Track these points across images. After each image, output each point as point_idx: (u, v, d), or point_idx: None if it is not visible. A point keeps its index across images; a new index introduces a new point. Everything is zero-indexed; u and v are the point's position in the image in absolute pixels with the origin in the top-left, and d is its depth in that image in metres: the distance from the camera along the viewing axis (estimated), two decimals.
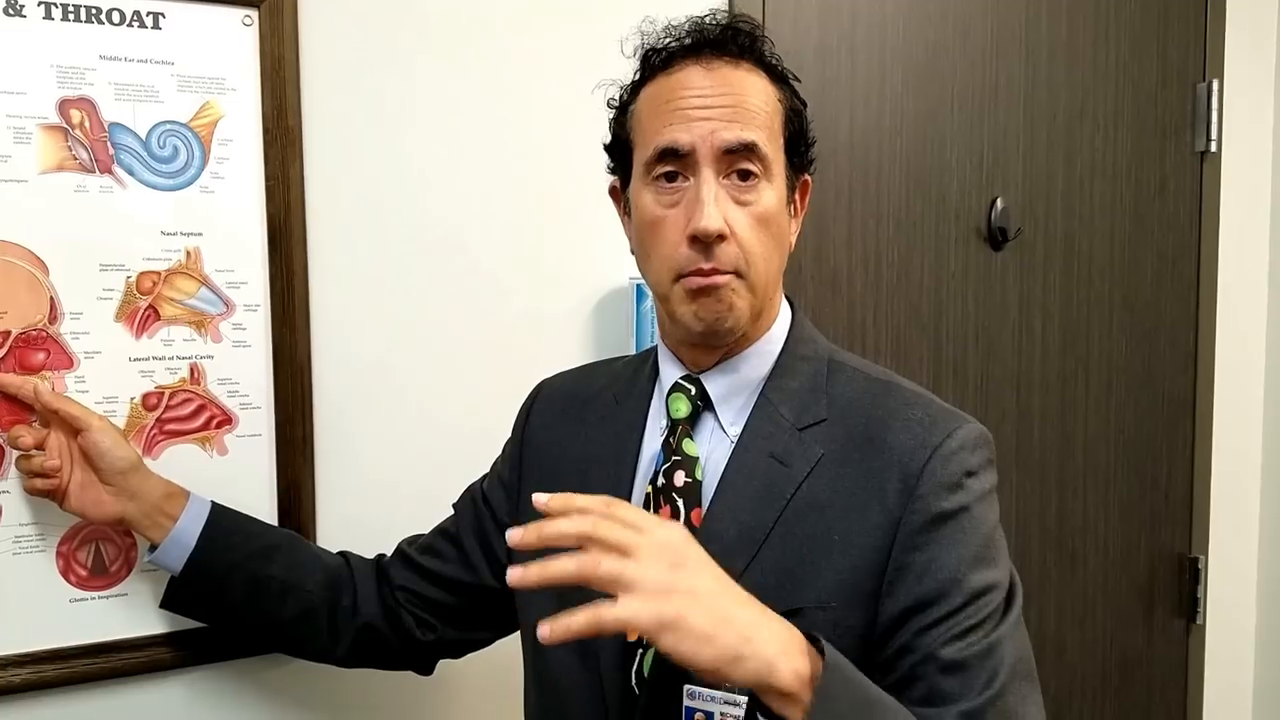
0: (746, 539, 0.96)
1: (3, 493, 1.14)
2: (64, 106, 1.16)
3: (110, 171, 1.18)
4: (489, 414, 1.35)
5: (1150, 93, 1.86)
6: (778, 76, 1.02)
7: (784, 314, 1.07)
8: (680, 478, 1.01)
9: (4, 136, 1.13)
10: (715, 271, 0.95)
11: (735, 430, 1.02)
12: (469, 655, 1.27)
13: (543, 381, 1.23)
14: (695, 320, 0.98)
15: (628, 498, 1.04)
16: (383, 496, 1.36)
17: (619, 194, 1.08)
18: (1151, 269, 1.89)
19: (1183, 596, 1.98)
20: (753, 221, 0.96)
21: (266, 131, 1.25)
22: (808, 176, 1.05)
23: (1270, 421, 2.01)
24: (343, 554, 1.25)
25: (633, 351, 1.45)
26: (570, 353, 1.46)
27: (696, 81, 0.97)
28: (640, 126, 1.01)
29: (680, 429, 1.03)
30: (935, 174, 1.67)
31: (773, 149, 0.98)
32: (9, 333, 1.14)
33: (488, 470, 1.24)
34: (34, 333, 1.15)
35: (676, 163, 0.96)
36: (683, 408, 1.03)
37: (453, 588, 1.19)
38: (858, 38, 1.60)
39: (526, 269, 1.44)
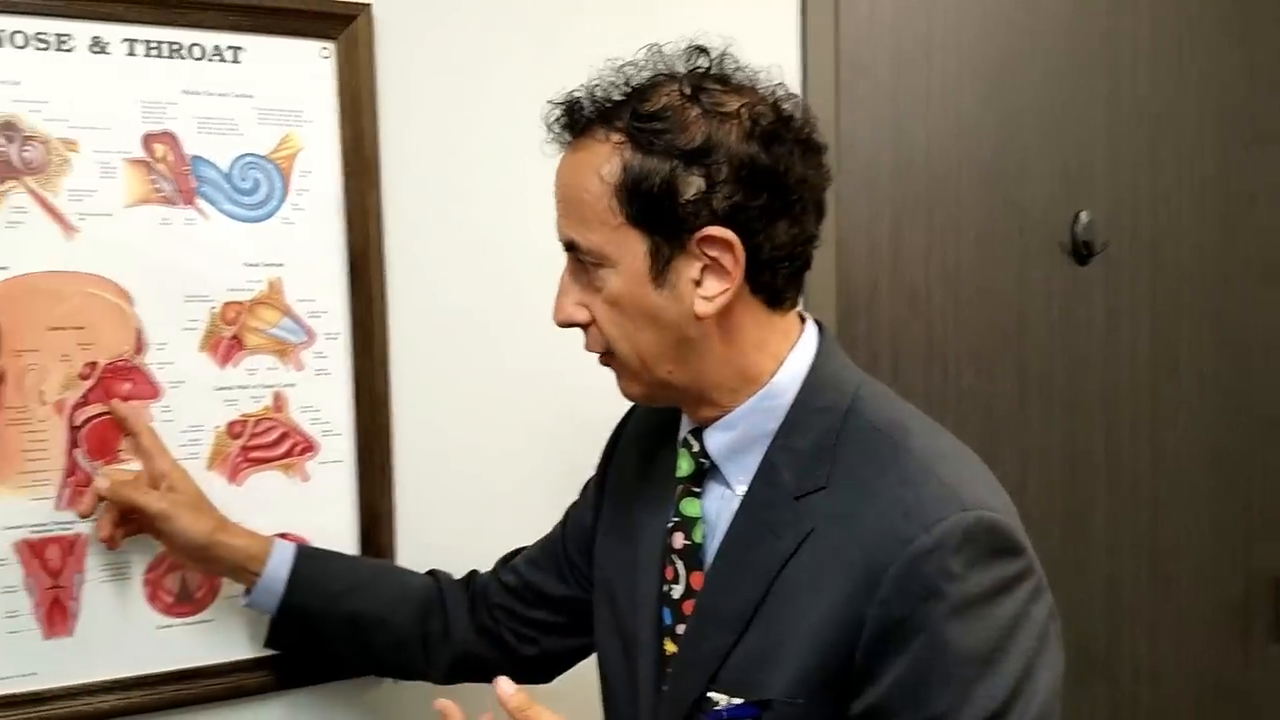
0: (736, 614, 0.92)
1: (93, 519, 1.16)
2: (148, 141, 1.18)
3: (193, 204, 1.20)
4: (565, 439, 1.36)
5: (1240, 99, 1.80)
6: (629, 132, 0.91)
7: (799, 356, 0.96)
8: (680, 539, 0.98)
9: (91, 171, 1.15)
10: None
11: (743, 489, 0.96)
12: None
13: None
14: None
15: (663, 551, 1.01)
16: (460, 520, 1.36)
17: None
18: (1243, 282, 1.82)
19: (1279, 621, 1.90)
20: (606, 306, 0.94)
21: (345, 163, 1.26)
22: (717, 231, 0.89)
23: None
24: (433, 574, 1.25)
25: None
26: None
27: (558, 170, 0.98)
28: None
29: (682, 488, 0.99)
30: (1016, 186, 1.64)
31: (603, 236, 0.92)
32: (96, 363, 1.16)
33: (582, 489, 1.24)
34: (120, 363, 1.17)
35: None
36: (685, 465, 0.99)
37: (551, 603, 1.20)
38: (934, 46, 1.58)
39: None
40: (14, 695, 1.14)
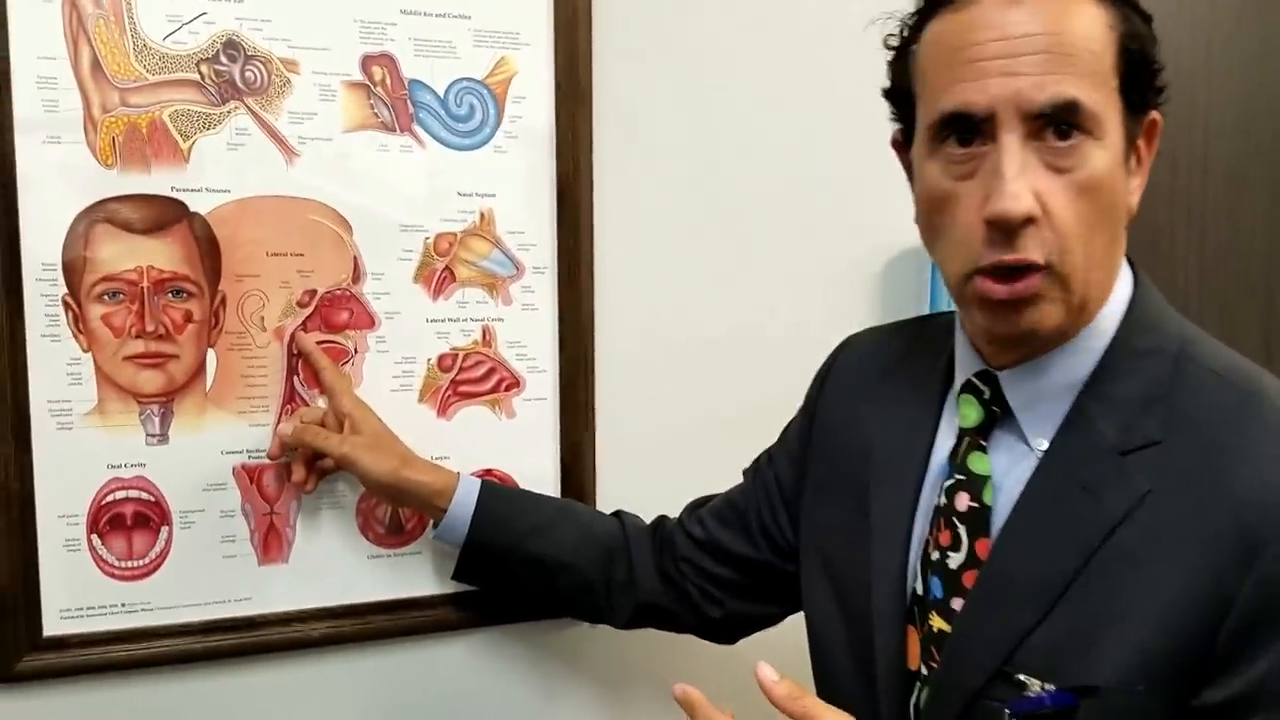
0: (1040, 588, 0.79)
1: (282, 461, 1.16)
2: (366, 63, 1.15)
3: (410, 130, 1.17)
4: (770, 380, 1.30)
5: None
6: None
7: (1121, 292, 0.84)
8: (964, 500, 0.85)
9: (310, 94, 1.14)
10: (1021, 269, 0.76)
11: (1042, 444, 0.83)
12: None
13: (846, 340, 1.10)
14: (991, 330, 0.82)
15: (911, 514, 0.90)
16: (661, 463, 1.32)
17: (903, 148, 0.90)
18: None
19: None
20: (1073, 194, 0.76)
21: (559, 88, 1.22)
22: (1156, 115, 0.82)
23: None
24: (619, 518, 1.21)
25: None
26: (856, 318, 1.38)
27: (994, 19, 0.76)
28: (923, 77, 0.82)
29: (969, 440, 0.87)
30: (1272, 120, 1.49)
31: (1102, 98, 0.76)
32: (315, 291, 1.15)
33: (779, 435, 1.16)
34: (339, 292, 1.16)
35: (970, 126, 0.78)
36: (972, 414, 0.87)
37: (737, 564, 1.13)
38: None
39: (815, 227, 1.37)
40: (230, 619, 1.15)
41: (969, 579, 0.84)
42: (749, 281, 1.35)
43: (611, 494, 1.30)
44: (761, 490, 1.11)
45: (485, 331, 1.23)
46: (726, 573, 1.13)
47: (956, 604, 0.84)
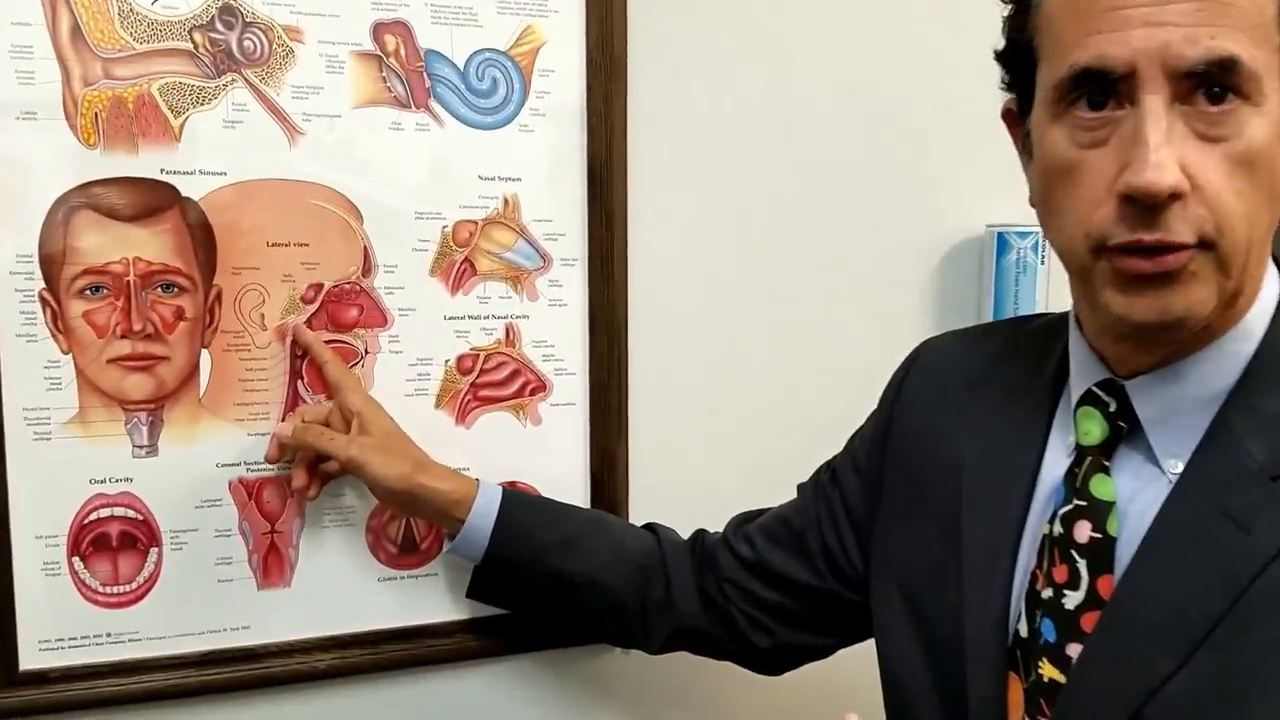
0: (1178, 631, 0.70)
1: (282, 467, 1.08)
2: (378, 31, 1.06)
3: (426, 107, 1.08)
4: (820, 384, 1.24)
5: None
6: None
7: (1269, 290, 0.75)
8: (1084, 530, 0.75)
9: (316, 65, 1.04)
10: (1165, 246, 0.66)
11: (1176, 466, 0.74)
12: None
13: (925, 343, 1.00)
14: (1128, 315, 0.70)
15: (1014, 544, 0.80)
16: (700, 473, 1.24)
17: (1015, 120, 0.80)
18: None
19: None
20: (1229, 166, 0.66)
21: (590, 61, 1.13)
22: None
23: None
24: (654, 532, 1.11)
25: (988, 318, 1.26)
26: (910, 317, 1.30)
27: None
28: (1050, 31, 0.72)
29: (1091, 461, 0.77)
30: None
31: (1264, 56, 0.66)
32: (321, 286, 1.06)
33: (844, 446, 1.05)
34: (347, 286, 1.07)
35: (1105, 86, 0.68)
36: (1095, 430, 0.77)
37: (791, 589, 1.02)
38: None
39: (868, 217, 1.28)
40: (227, 650, 1.07)
41: (1088, 621, 0.74)
42: (796, 276, 1.26)
43: (646, 507, 1.21)
44: (824, 508, 1.01)
45: (509, 330, 1.14)
46: (777, 598, 1.03)
47: (1073, 650, 0.74)
